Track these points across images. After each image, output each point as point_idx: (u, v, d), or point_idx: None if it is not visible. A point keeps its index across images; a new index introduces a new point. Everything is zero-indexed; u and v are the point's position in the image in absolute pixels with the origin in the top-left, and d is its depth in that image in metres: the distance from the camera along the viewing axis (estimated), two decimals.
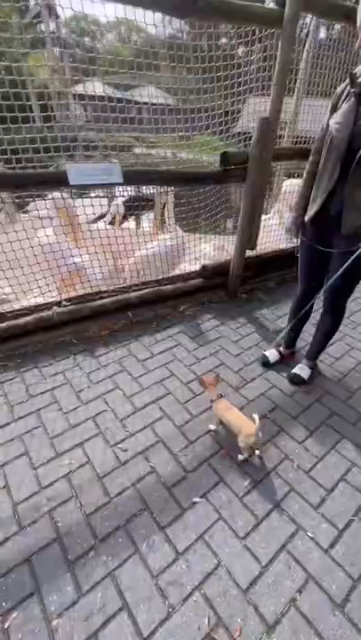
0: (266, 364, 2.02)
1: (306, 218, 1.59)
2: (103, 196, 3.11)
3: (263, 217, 3.27)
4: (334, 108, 1.38)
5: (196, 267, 2.68)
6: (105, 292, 2.32)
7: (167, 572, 1.11)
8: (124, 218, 3.47)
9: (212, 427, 1.59)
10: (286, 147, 2.78)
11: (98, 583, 1.08)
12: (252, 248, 2.55)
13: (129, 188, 3.11)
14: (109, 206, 3.46)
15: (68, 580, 1.08)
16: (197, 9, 1.64)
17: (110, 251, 2.51)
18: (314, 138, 1.56)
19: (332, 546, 1.20)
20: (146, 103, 2.70)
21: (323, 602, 1.06)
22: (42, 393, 1.77)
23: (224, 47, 2.41)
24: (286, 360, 2.06)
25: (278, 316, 2.52)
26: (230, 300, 2.69)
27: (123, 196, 3.11)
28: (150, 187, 2.83)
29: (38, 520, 1.24)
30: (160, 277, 2.54)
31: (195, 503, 1.31)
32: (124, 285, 2.44)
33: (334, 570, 1.13)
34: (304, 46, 2.73)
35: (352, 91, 1.30)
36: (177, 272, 2.73)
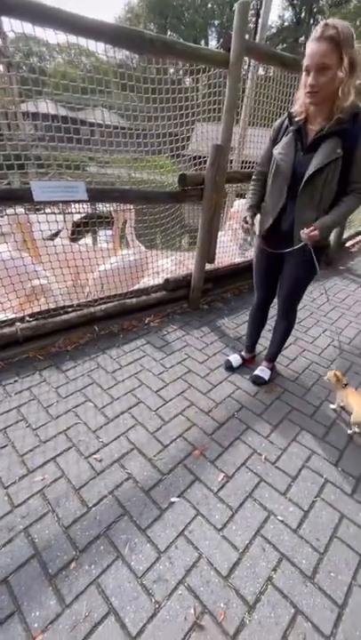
0: (230, 368, 2.16)
1: (257, 232, 1.78)
2: (58, 212, 3.12)
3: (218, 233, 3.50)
4: (275, 140, 1.61)
5: (159, 280, 2.79)
6: (69, 306, 2.33)
7: (151, 571, 1.14)
8: (78, 233, 3.49)
9: (333, 406, 1.91)
10: (238, 171, 3.05)
11: (82, 593, 1.07)
12: (211, 261, 2.73)
13: (85, 205, 3.18)
14: (65, 222, 3.46)
15: (49, 594, 1.06)
16: (154, 48, 1.82)
17: (69, 266, 2.53)
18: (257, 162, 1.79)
19: (299, 525, 1.31)
20: (99, 124, 2.82)
21: (295, 576, 1.16)
22: (7, 411, 1.72)
23: (172, 76, 2.62)
24: (248, 364, 2.21)
25: (237, 324, 2.70)
26: (193, 312, 2.82)
27: (79, 212, 3.16)
28: (107, 204, 2.93)
29: (13, 539, 1.20)
30: (124, 291, 2.61)
31: (172, 503, 1.36)
32: (89, 300, 2.46)
33: (303, 546, 1.24)
34: (246, 82, 3.09)
35: (291, 128, 1.52)
36: (140, 286, 2.81)
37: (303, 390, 2.05)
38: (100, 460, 1.50)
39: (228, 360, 2.18)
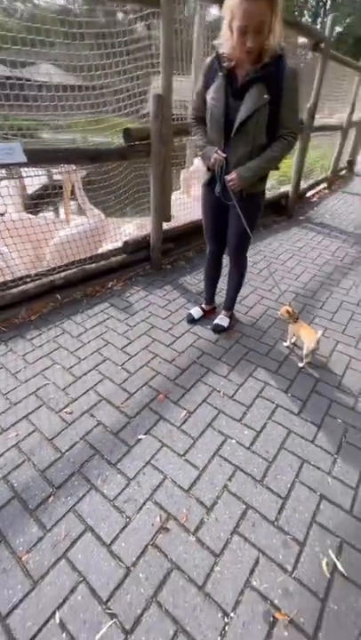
0: (192, 320, 2.26)
1: (202, 181, 1.80)
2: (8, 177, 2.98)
3: (176, 193, 3.48)
4: (207, 82, 1.58)
5: (120, 244, 2.79)
6: (27, 276, 2.32)
7: (122, 494, 1.29)
8: (35, 207, 3.37)
9: (286, 344, 2.05)
10: (187, 123, 2.98)
11: (60, 519, 1.21)
12: (167, 220, 2.74)
13: (40, 172, 3.04)
14: (10, 196, 3.31)
15: (31, 523, 1.19)
16: None
17: (29, 240, 2.49)
18: None
19: (252, 443, 1.49)
20: (46, 83, 2.65)
21: (247, 482, 1.34)
22: None
23: (122, 23, 2.45)
24: (209, 315, 2.32)
25: (199, 279, 2.78)
26: (156, 272, 2.87)
27: (33, 177, 3.02)
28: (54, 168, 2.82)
29: None
30: (83, 257, 2.60)
31: (140, 440, 1.50)
32: (48, 268, 2.45)
33: (254, 458, 1.43)
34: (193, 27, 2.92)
35: (220, 73, 1.49)
36: (100, 251, 2.80)
37: (260, 333, 2.20)
38: (71, 413, 1.61)
39: (190, 313, 2.28)
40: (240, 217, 1.71)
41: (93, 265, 2.55)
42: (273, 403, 1.70)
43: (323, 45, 3.57)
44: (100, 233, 2.93)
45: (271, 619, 0.99)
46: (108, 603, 1.01)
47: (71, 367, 1.88)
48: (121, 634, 0.95)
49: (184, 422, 1.59)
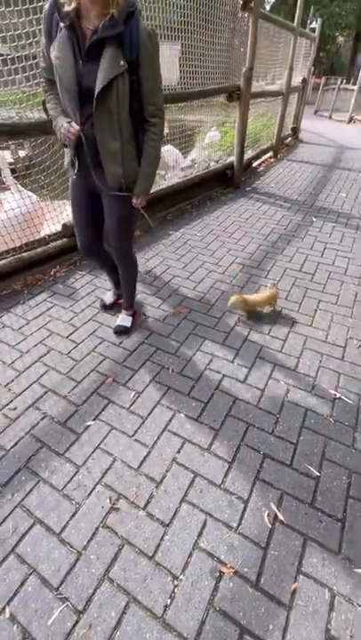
0: (103, 306, 2.15)
1: (65, 163, 1.52)
2: None
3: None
4: (50, 33, 1.23)
5: (58, 228, 2.63)
6: None
7: (71, 482, 1.28)
8: None
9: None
10: None
11: (7, 517, 1.18)
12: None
13: None
14: None
15: None
16: None
17: None
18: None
19: (200, 415, 1.53)
20: None
21: (195, 451, 1.38)
22: None
23: None
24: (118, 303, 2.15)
25: (146, 259, 2.73)
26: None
27: None
28: None
29: None
30: (18, 245, 2.44)
31: (88, 426, 1.48)
32: None
33: (202, 429, 1.47)
34: None
35: (62, 24, 1.17)
36: (40, 236, 2.64)
37: (207, 307, 2.22)
38: (15, 409, 1.55)
39: (102, 299, 2.18)
40: (116, 206, 1.54)
41: (32, 252, 2.40)
42: (220, 373, 1.74)
43: (253, 4, 3.44)
44: (35, 217, 2.74)
45: (218, 574, 1.05)
46: (60, 588, 1.02)
47: (13, 362, 1.79)
48: (73, 615, 0.97)
49: (133, 403, 1.59)
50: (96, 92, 1.22)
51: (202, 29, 3.20)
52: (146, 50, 1.24)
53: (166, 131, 4.68)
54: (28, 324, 2.06)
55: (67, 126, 1.29)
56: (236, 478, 1.30)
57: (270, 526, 1.16)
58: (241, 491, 1.26)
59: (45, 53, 1.29)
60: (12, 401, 1.59)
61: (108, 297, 2.18)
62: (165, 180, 4.16)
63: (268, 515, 1.19)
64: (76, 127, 1.29)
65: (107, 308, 2.15)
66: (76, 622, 0.96)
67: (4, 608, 0.98)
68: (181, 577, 1.04)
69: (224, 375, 1.73)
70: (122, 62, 1.21)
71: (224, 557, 1.09)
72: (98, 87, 1.21)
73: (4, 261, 2.28)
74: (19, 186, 2.78)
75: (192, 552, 1.10)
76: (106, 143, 1.34)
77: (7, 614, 0.97)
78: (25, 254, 2.38)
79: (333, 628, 0.96)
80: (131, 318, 2.04)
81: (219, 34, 3.46)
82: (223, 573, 1.05)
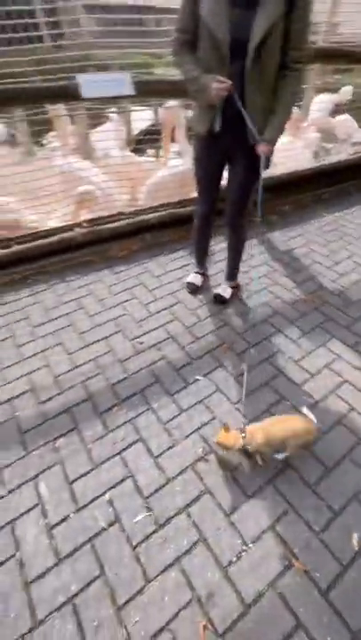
0: (194, 289, 2.08)
1: (200, 129, 1.45)
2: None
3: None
4: None
5: None
6: (123, 213, 2.47)
7: (173, 421, 1.44)
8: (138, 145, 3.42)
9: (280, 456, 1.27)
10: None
11: (120, 426, 1.42)
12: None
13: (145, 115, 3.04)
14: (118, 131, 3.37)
15: (98, 422, 1.44)
16: None
17: (127, 179, 2.59)
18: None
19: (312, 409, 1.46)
20: (166, 10, 2.51)
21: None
22: (70, 301, 2.05)
23: None
24: (205, 282, 2.14)
25: (290, 237, 2.59)
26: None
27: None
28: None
29: (74, 387, 1.58)
30: (175, 201, 2.62)
31: (197, 380, 1.60)
32: (142, 208, 2.55)
33: None
34: None
35: None
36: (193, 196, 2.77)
37: (346, 303, 2.01)
38: (142, 343, 1.78)
39: (190, 282, 2.09)
40: (247, 170, 1.47)
41: (182, 209, 2.56)
42: (341, 377, 1.60)
43: None
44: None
45: (288, 563, 1.06)
46: (148, 499, 1.20)
47: (148, 303, 2.03)
48: (153, 525, 1.14)
49: (241, 375, 1.61)
50: (253, 44, 1.14)
51: None
52: None
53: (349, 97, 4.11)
54: (165, 273, 2.26)
55: (217, 84, 1.22)
56: (332, 486, 1.22)
57: (357, 549, 1.08)
58: (334, 500, 1.19)
59: (188, 11, 1.23)
60: (140, 336, 1.83)
61: (197, 278, 2.10)
62: (330, 154, 3.71)
63: (359, 538, 1.10)
64: (229, 82, 1.22)
65: (197, 289, 2.09)
66: (155, 531, 1.12)
67: (105, 492, 1.22)
68: (251, 546, 1.09)
69: (346, 381, 1.58)
70: (283, 6, 1.11)
71: (298, 552, 1.08)
72: (255, 38, 1.13)
73: (158, 214, 2.51)
74: (187, 144, 2.92)
75: (267, 531, 1.12)
76: (255, 98, 1.28)
77: (107, 497, 1.21)
78: (176, 210, 2.55)
79: None
80: (231, 290, 2.00)
81: None
82: (293, 566, 1.05)
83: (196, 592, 1.00)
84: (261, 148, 1.36)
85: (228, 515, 1.16)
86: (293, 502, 1.19)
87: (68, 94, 1.74)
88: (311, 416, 1.30)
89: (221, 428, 1.20)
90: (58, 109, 2.52)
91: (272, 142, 1.38)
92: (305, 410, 1.38)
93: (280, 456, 1.26)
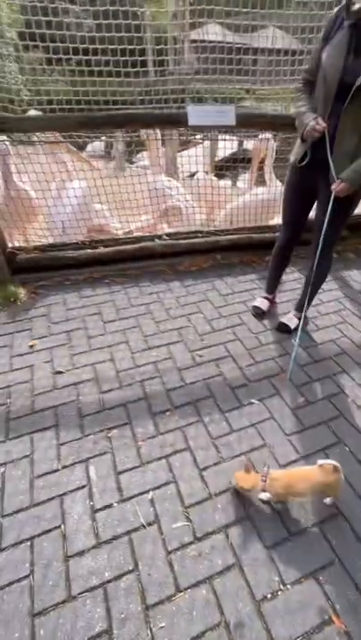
0: (260, 313, 2.07)
1: (292, 158, 1.60)
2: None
3: None
4: (327, 37, 1.32)
5: None
6: (200, 232, 2.59)
7: (222, 438, 1.44)
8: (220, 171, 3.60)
9: (265, 496, 1.17)
10: None
11: (171, 431, 1.46)
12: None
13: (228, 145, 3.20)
14: (203, 157, 3.57)
15: (150, 422, 1.49)
16: None
17: (205, 200, 2.74)
18: None
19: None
20: (264, 50, 2.67)
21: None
22: (140, 305, 2.19)
23: None
24: (272, 307, 2.14)
25: None
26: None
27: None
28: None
29: (133, 384, 1.67)
30: (251, 226, 2.69)
31: (252, 403, 1.59)
32: (218, 229, 2.66)
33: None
34: None
35: (346, 22, 1.24)
36: (270, 223, 2.82)
37: None
38: (201, 356, 1.83)
39: (256, 306, 2.09)
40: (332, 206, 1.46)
41: (259, 236, 2.61)
42: None
43: None
44: (277, 205, 2.91)
45: (327, 617, 0.98)
46: (188, 509, 1.21)
47: (212, 319, 2.08)
48: (191, 536, 1.14)
49: (299, 408, 1.57)
50: (356, 84, 1.22)
51: None
52: None
53: None
54: (232, 294, 2.31)
55: (313, 123, 1.36)
56: None
57: None
58: None
59: (316, 55, 1.39)
60: (201, 349, 1.87)
61: (263, 302, 2.10)
62: None
63: None
64: (323, 124, 1.35)
65: (263, 314, 2.09)
66: (191, 542, 1.12)
67: (148, 490, 1.26)
68: (289, 587, 1.03)
69: None
70: None
71: (340, 609, 0.99)
72: (359, 80, 1.21)
73: (235, 236, 2.59)
74: (273, 174, 3.00)
75: (308, 576, 1.06)
76: (343, 139, 1.35)
77: (150, 496, 1.24)
78: (254, 235, 2.61)
79: None
80: (297, 321, 1.95)
81: None
82: (333, 623, 0.97)
83: (225, 617, 0.97)
84: (334, 186, 1.41)
85: (267, 547, 1.11)
86: (341, 554, 1.10)
87: (178, 121, 1.93)
88: (333, 463, 1.12)
89: (244, 469, 1.17)
90: (153, 133, 2.78)
91: (348, 181, 1.39)
92: (320, 460, 1.15)
93: (328, 501, 1.19)
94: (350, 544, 1.13)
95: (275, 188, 2.93)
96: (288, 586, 1.03)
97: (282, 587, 1.03)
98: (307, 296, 1.92)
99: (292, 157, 1.62)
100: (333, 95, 1.32)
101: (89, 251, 2.40)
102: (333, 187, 1.41)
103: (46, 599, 1.00)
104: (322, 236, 1.58)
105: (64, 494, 1.24)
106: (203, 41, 2.90)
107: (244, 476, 1.16)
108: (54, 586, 1.03)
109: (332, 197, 1.44)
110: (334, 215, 1.53)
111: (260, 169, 3.10)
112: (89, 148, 4.36)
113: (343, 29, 1.27)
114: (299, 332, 1.77)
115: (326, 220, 1.52)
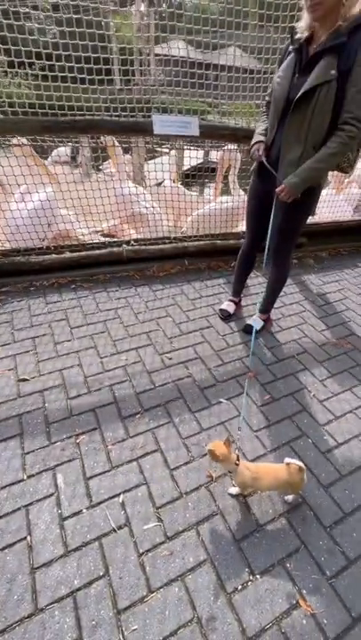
0: (227, 315, 2.16)
1: (252, 168, 1.73)
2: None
3: (326, 189, 3.29)
4: (280, 63, 1.47)
5: None
6: (167, 238, 2.64)
7: (192, 437, 1.46)
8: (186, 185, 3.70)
9: (234, 491, 1.25)
10: None
11: (141, 433, 1.46)
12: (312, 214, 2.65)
13: (194, 155, 3.31)
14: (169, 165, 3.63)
15: (120, 426, 1.48)
16: None
17: (172, 207, 2.80)
18: None
19: (324, 453, 1.44)
20: (227, 67, 2.80)
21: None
22: (108, 310, 2.18)
23: None
24: (237, 310, 2.23)
25: (325, 281, 2.65)
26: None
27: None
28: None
29: (101, 389, 1.65)
30: (217, 233, 2.78)
31: (220, 402, 1.62)
32: (185, 236, 2.72)
33: (323, 462, 1.39)
34: None
35: (291, 47, 1.38)
36: (234, 230, 2.93)
37: None
38: (170, 359, 1.85)
39: (223, 309, 2.17)
40: (284, 212, 1.57)
41: (224, 242, 2.70)
42: None
43: None
44: (240, 213, 3.03)
45: (294, 602, 1.02)
46: (159, 510, 1.21)
47: (180, 323, 2.11)
48: (162, 536, 1.14)
49: (265, 405, 1.63)
50: (296, 98, 1.33)
51: None
52: (359, 64, 1.23)
53: None
54: (200, 298, 2.36)
55: (255, 148, 1.56)
56: (350, 532, 1.18)
57: None
58: (349, 547, 1.15)
59: (274, 77, 1.50)
60: (170, 352, 1.89)
61: (231, 306, 2.19)
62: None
63: None
64: (259, 154, 1.55)
65: (230, 316, 2.17)
66: (162, 542, 1.12)
67: (119, 494, 1.24)
68: (258, 576, 1.06)
69: None
70: (333, 72, 1.25)
71: (306, 593, 1.04)
72: (298, 94, 1.32)
73: (201, 242, 2.66)
74: (236, 184, 3.13)
75: (276, 565, 1.09)
76: (289, 149, 1.44)
77: (120, 500, 1.23)
78: (218, 242, 2.70)
79: None
80: (262, 323, 2.07)
81: None
82: (300, 607, 1.01)
83: (197, 612, 0.98)
84: (277, 189, 1.50)
85: (237, 540, 1.14)
86: (306, 540, 1.15)
87: (143, 129, 1.97)
88: (299, 464, 1.15)
89: (224, 440, 1.13)
90: (112, 140, 2.80)
91: (288, 185, 1.45)
92: (287, 459, 1.18)
93: (289, 498, 1.25)
94: (314, 530, 1.19)
95: (238, 197, 3.07)
96: (257, 576, 1.06)
97: (251, 577, 1.06)
98: (270, 298, 2.02)
99: (252, 168, 1.74)
100: (281, 110, 1.44)
101: (54, 256, 2.35)
102: (277, 190, 1.50)
103: (10, 615, 0.95)
104: (273, 242, 1.68)
105: (30, 504, 1.19)
106: (166, 55, 3.00)
107: (221, 446, 1.12)
108: (19, 600, 0.98)
109: (274, 200, 1.54)
110: (286, 223, 1.64)
111: (225, 178, 3.23)
112: (54, 153, 4.28)
113: (290, 54, 1.41)
114: (255, 324, 1.96)
115: (271, 222, 1.60)
